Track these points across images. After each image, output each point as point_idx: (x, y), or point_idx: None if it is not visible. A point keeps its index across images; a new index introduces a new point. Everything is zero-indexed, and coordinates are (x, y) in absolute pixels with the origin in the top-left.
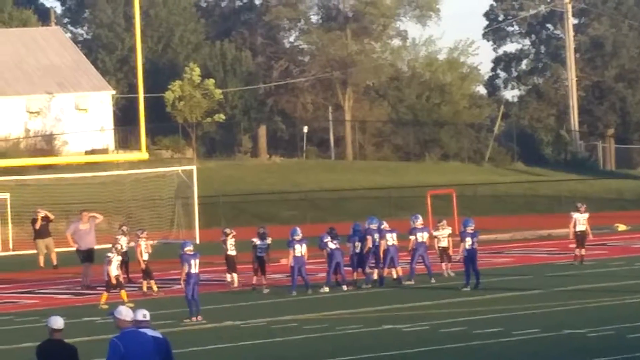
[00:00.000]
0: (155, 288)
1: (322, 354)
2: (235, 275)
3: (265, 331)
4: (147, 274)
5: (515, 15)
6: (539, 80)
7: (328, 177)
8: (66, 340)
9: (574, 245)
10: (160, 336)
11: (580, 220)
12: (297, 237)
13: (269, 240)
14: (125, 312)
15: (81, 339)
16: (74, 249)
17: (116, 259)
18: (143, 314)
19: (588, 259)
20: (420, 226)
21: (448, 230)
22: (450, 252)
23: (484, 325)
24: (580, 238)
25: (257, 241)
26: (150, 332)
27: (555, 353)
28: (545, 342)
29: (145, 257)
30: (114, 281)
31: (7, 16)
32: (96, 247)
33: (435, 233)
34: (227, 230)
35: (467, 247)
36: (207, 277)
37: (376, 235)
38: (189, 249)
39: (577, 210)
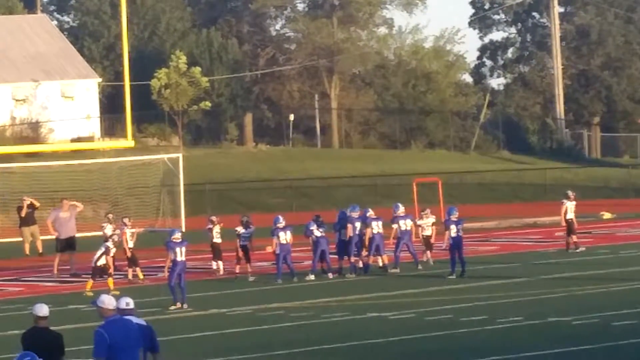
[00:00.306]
0: (141, 275)
1: (309, 342)
2: (220, 263)
3: (251, 319)
4: (132, 262)
5: (501, 4)
6: (524, 68)
7: (314, 165)
8: (52, 328)
9: (561, 233)
10: (145, 323)
11: (571, 208)
12: (280, 225)
13: (252, 229)
14: (107, 301)
15: (67, 327)
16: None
17: (113, 251)
18: (126, 302)
19: (574, 247)
20: (402, 214)
21: (432, 219)
22: (433, 240)
23: (470, 313)
24: (572, 225)
25: (240, 230)
26: (135, 319)
27: (541, 341)
28: (530, 330)
29: (131, 244)
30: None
31: None
32: (84, 234)
33: (419, 222)
34: (213, 218)
35: (453, 234)
36: (193, 264)
37: (358, 223)
38: (176, 236)
39: (568, 198)
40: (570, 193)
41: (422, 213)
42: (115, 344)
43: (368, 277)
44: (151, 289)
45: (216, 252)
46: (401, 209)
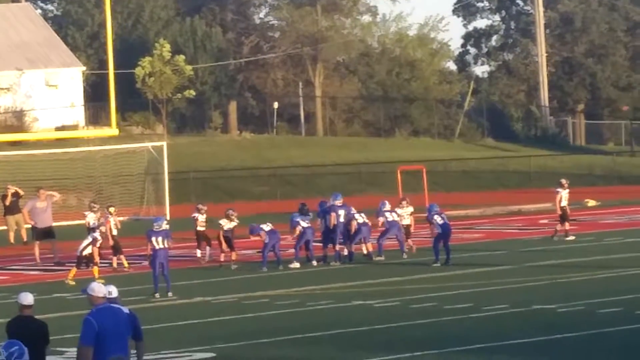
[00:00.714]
0: (126, 263)
1: (293, 330)
2: (208, 248)
3: (236, 307)
4: (116, 250)
5: None
6: (509, 56)
7: (298, 153)
8: (37, 317)
9: (545, 221)
10: (128, 311)
11: (565, 196)
12: (266, 228)
13: (236, 222)
14: (97, 289)
15: (52, 315)
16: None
17: (100, 242)
18: (109, 291)
19: (563, 234)
20: (388, 209)
21: (410, 209)
22: (412, 229)
23: (454, 300)
24: (565, 213)
25: (223, 223)
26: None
27: (525, 328)
28: (515, 318)
29: (114, 232)
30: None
31: None
32: (68, 223)
33: (398, 211)
34: (200, 206)
35: (440, 222)
36: (178, 253)
37: (341, 211)
38: (157, 224)
39: (562, 186)
40: (563, 181)
41: (401, 202)
42: (104, 331)
43: (352, 265)
44: (136, 277)
45: (200, 239)
46: (387, 206)
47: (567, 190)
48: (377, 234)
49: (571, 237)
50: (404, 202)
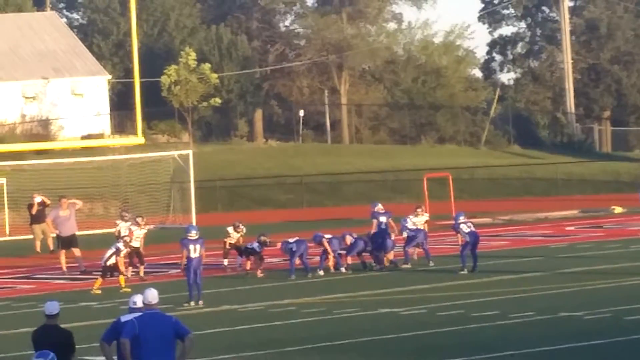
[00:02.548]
0: (141, 273)
1: (320, 338)
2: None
3: (263, 315)
4: (133, 259)
5: None
6: (534, 63)
7: (324, 160)
8: (62, 325)
9: (572, 228)
10: (168, 316)
11: None
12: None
13: (242, 232)
14: (139, 299)
15: (77, 324)
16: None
17: (124, 252)
18: (134, 301)
19: (584, 241)
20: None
21: (425, 217)
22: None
23: (481, 308)
24: None
25: (230, 231)
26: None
27: (552, 335)
28: (541, 325)
29: (136, 244)
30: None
31: (2, 1)
32: (95, 232)
33: (413, 219)
34: (241, 226)
35: (467, 230)
36: (205, 261)
37: (383, 218)
38: (191, 234)
39: None
40: None
41: (417, 210)
42: (144, 337)
43: (379, 272)
44: (162, 286)
45: (230, 249)
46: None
47: None
48: (401, 243)
49: None
50: (419, 210)
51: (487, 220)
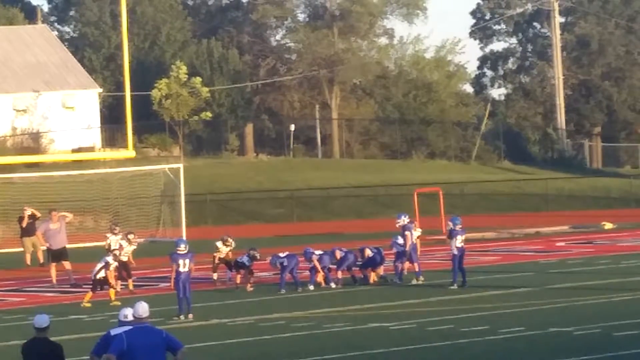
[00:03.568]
0: (130, 286)
1: (310, 352)
2: (228, 272)
3: (252, 329)
4: (126, 272)
5: (502, 14)
6: (525, 78)
7: (315, 175)
8: (52, 338)
9: (562, 244)
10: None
11: None
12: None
13: (231, 247)
14: (129, 312)
15: (67, 337)
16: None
17: (114, 266)
18: (124, 315)
19: (575, 257)
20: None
21: (418, 232)
22: (419, 253)
23: (471, 323)
24: None
25: (220, 246)
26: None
27: (542, 351)
28: (531, 340)
29: (125, 258)
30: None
31: None
32: (85, 245)
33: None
34: (230, 240)
35: (458, 245)
36: (194, 275)
37: (412, 232)
38: (180, 248)
39: None
40: None
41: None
42: (134, 351)
43: (369, 287)
44: (152, 299)
45: (220, 264)
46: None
47: None
48: (391, 257)
49: None
50: (414, 223)
51: (478, 235)
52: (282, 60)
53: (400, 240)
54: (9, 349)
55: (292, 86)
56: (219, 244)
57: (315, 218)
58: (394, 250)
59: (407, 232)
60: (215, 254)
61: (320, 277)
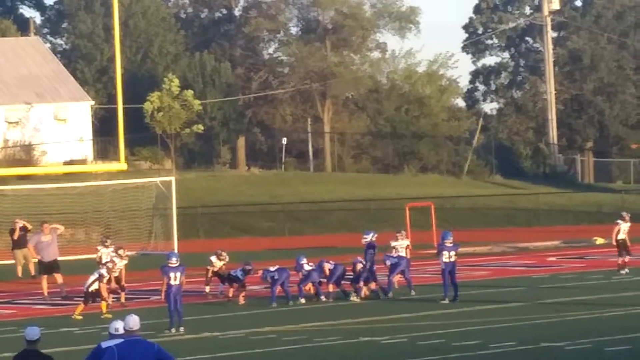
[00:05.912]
0: (122, 299)
1: None
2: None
3: (243, 343)
4: (120, 285)
5: (495, 29)
6: (517, 93)
7: (307, 188)
8: (43, 351)
9: (553, 259)
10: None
11: (624, 229)
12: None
13: (225, 261)
14: (120, 325)
15: (58, 350)
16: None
17: (106, 278)
18: (115, 328)
19: (566, 272)
20: (401, 239)
21: (406, 242)
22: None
23: (462, 337)
24: (623, 246)
25: (214, 260)
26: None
27: None
28: (522, 355)
29: (116, 273)
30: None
31: None
32: (76, 257)
33: (393, 244)
34: (224, 254)
35: (445, 260)
36: (185, 288)
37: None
38: (172, 261)
39: (623, 219)
40: (625, 214)
41: (397, 234)
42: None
43: (361, 301)
44: (143, 312)
45: (212, 276)
46: (403, 235)
47: (629, 224)
48: (384, 271)
49: (626, 271)
50: (399, 235)
51: (469, 249)
52: (274, 73)
53: (401, 252)
54: None
55: (285, 99)
56: (213, 258)
57: (306, 232)
58: (388, 263)
59: (370, 250)
60: (209, 267)
61: (308, 286)
